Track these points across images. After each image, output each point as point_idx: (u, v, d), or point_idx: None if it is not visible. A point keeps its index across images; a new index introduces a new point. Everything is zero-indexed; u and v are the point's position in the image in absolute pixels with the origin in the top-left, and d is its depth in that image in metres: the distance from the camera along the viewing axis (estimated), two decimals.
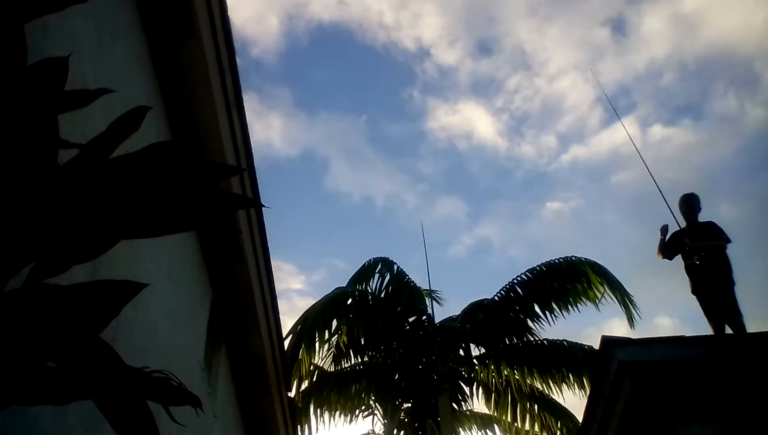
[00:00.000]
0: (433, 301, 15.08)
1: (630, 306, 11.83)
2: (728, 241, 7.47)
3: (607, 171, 36.06)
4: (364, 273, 13.90)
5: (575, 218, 35.38)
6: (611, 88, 31.20)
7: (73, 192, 1.45)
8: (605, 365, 6.66)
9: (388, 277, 13.96)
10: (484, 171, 36.82)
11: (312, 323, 12.58)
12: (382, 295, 13.78)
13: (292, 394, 11.63)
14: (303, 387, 13.55)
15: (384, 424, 16.99)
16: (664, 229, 7.80)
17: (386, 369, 14.30)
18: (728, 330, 7.14)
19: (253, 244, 6.82)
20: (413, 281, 14.23)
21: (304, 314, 13.04)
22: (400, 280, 14.03)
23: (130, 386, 1.49)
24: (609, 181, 35.01)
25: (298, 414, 12.28)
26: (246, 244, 6.59)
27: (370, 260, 14.16)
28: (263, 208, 6.62)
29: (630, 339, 6.70)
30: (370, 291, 13.74)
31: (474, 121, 35.31)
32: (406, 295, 13.75)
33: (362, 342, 13.80)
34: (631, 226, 36.34)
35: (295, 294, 36.18)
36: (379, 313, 13.13)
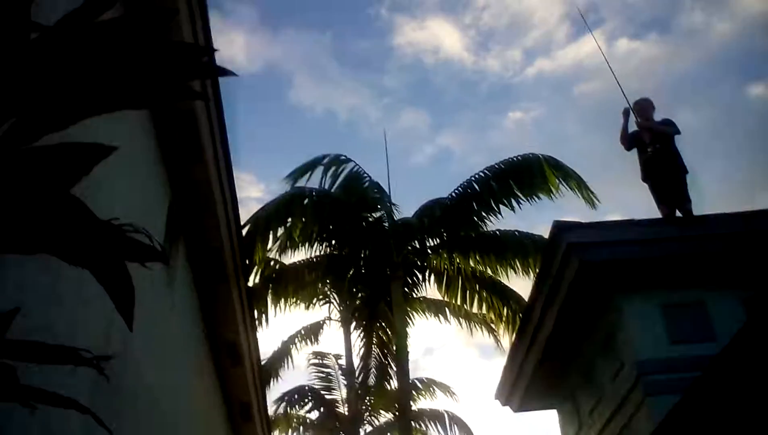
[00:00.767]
0: (392, 205, 15.50)
1: (587, 191, 12.50)
2: (677, 132, 8.00)
3: (570, 82, 36.76)
4: (312, 163, 14.10)
5: (536, 128, 36.08)
6: (581, 3, 31.31)
7: (45, 61, 1.55)
8: (555, 246, 7.22)
9: (345, 173, 14.26)
10: (448, 84, 36.89)
11: (270, 216, 12.96)
12: (339, 190, 14.09)
13: (250, 284, 12.17)
14: (261, 279, 13.99)
15: (340, 311, 17.82)
16: (626, 112, 8.23)
17: (342, 261, 14.83)
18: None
19: (213, 141, 6.92)
20: (372, 178, 14.65)
21: (263, 207, 13.41)
22: (358, 177, 14.37)
23: (102, 238, 1.58)
24: (572, 92, 35.66)
25: (257, 304, 12.74)
26: (206, 140, 6.69)
27: (329, 155, 14.38)
28: (225, 114, 6.76)
29: (580, 223, 7.26)
30: (326, 186, 14.05)
31: (441, 37, 35.08)
32: (363, 191, 14.16)
33: (320, 236, 14.19)
34: (592, 135, 37.21)
35: (254, 202, 36.38)
36: (336, 208, 13.55)
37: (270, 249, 13.29)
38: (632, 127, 8.23)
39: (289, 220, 13.31)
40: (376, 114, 36.80)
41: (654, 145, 7.78)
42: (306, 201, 13.50)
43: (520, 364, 8.79)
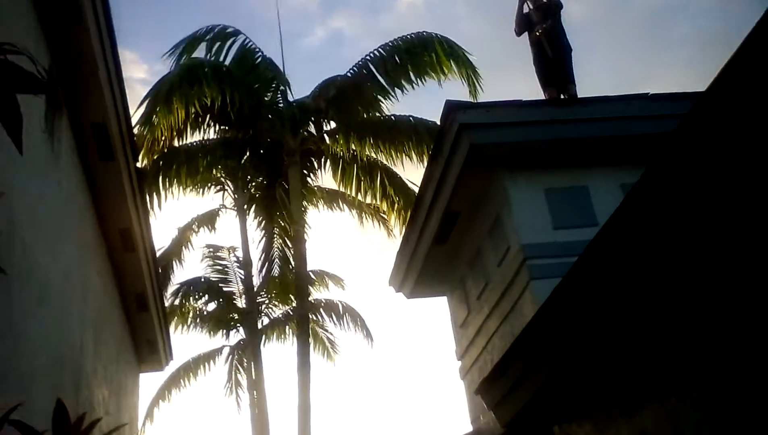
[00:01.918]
0: (286, 82, 15.16)
1: (476, 76, 12.68)
2: (560, 6, 8.14)
3: None
4: (197, 37, 13.59)
5: (428, 10, 35.56)
6: None
7: None
8: (446, 126, 7.32)
9: (236, 48, 13.80)
10: None
11: (165, 93, 12.50)
12: (233, 66, 13.70)
13: (140, 165, 11.80)
14: (151, 159, 13.63)
15: (235, 199, 17.68)
16: None
17: (237, 144, 14.56)
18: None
19: (94, 6, 6.54)
20: (266, 55, 14.25)
21: (156, 85, 12.92)
22: (250, 53, 13.96)
23: None
24: None
25: (149, 187, 12.48)
26: (86, 5, 6.32)
27: (215, 27, 13.81)
28: None
29: (471, 102, 7.37)
30: (219, 61, 13.60)
31: None
32: (256, 69, 13.82)
33: (217, 114, 13.80)
34: (481, 21, 37.03)
35: (138, 83, 34.65)
36: (232, 83, 13.17)
37: (169, 126, 12.90)
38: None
39: (191, 90, 12.86)
40: None
41: (542, 24, 7.93)
42: (206, 69, 13.01)
43: (413, 250, 8.97)
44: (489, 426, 7.53)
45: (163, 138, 13.06)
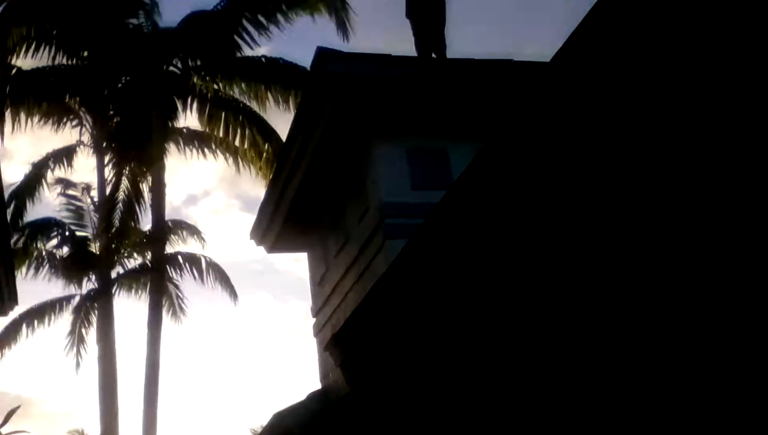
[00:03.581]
0: (157, 10, 14.48)
1: (348, 16, 12.69)
2: None
3: None
4: None
5: None
6: None
7: None
8: (316, 75, 7.29)
9: None
10: None
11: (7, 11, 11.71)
12: None
13: None
14: None
15: (93, 135, 16.80)
16: None
17: (96, 75, 13.82)
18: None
19: None
20: None
21: None
22: None
23: None
24: None
25: None
26: None
27: None
28: None
29: (342, 52, 7.35)
30: None
31: None
32: None
33: (69, 36, 13.00)
34: None
35: None
36: (91, 8, 12.48)
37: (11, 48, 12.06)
38: None
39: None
40: None
41: None
42: None
43: (276, 203, 8.91)
44: (337, 384, 7.68)
45: (6, 62, 12.17)
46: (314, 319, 9.10)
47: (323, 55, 7.17)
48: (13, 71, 13.19)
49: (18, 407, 7.33)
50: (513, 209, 4.17)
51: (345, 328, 6.50)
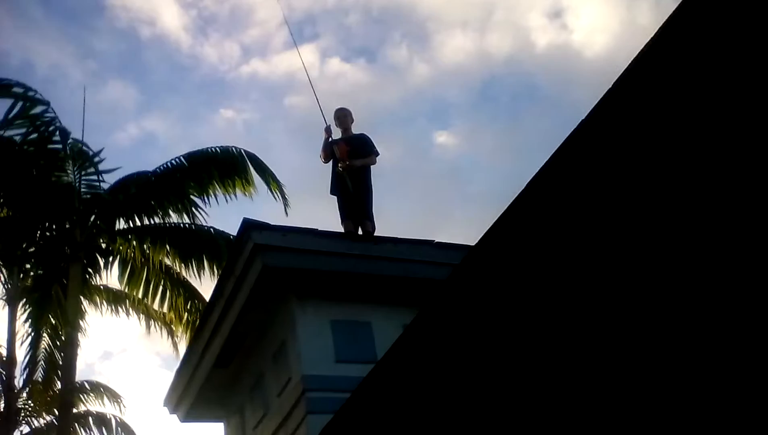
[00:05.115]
0: (82, 169, 14.43)
1: (285, 198, 12.94)
2: (377, 154, 8.61)
3: (282, 92, 37.56)
4: None
5: (246, 130, 36.18)
6: (299, 15, 32.16)
7: None
8: (241, 245, 7.33)
9: (34, 113, 12.92)
10: (161, 63, 35.49)
11: None
12: (20, 136, 12.87)
13: None
14: None
15: (6, 289, 16.22)
16: (328, 129, 8.65)
17: (14, 226, 13.50)
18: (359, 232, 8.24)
19: None
20: (68, 131, 13.54)
21: None
22: (46, 123, 13.15)
23: None
24: (282, 102, 36.45)
25: None
26: None
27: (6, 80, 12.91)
28: None
29: (268, 224, 7.44)
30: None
31: (160, 9, 33.75)
32: (49, 142, 13.07)
33: None
34: (295, 149, 38.41)
35: None
36: (15, 155, 12.40)
37: None
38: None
39: None
40: (79, 77, 34.24)
41: (347, 159, 8.30)
42: None
43: (193, 369, 8.66)
44: None
45: None
46: None
47: (249, 225, 7.25)
48: None
49: None
50: (436, 388, 4.17)
51: None
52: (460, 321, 3.94)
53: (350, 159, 8.30)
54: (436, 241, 7.69)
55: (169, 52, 33.90)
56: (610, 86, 2.91)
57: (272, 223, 7.63)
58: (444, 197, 36.71)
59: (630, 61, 2.82)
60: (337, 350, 7.01)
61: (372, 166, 8.55)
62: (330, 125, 8.69)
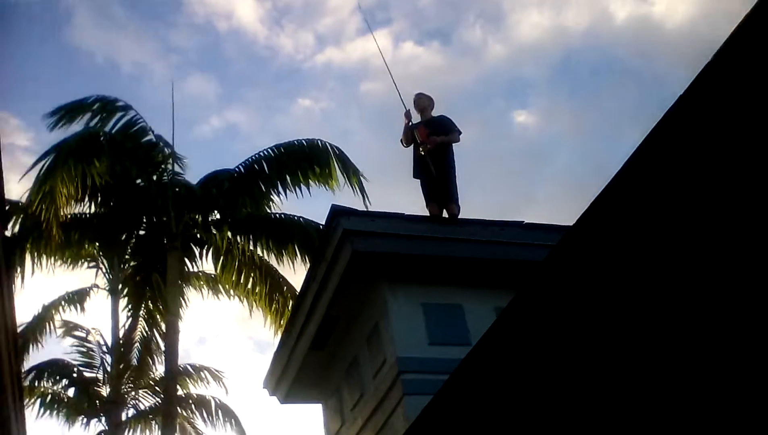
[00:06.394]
0: (175, 164, 14.99)
1: (364, 192, 13.06)
2: (460, 132, 8.52)
3: (357, 78, 37.73)
4: (81, 104, 13.35)
5: (323, 118, 36.65)
6: (371, 0, 32.10)
7: None
8: (331, 231, 7.39)
9: (124, 122, 13.60)
10: (239, 55, 36.24)
11: (49, 165, 12.21)
12: (117, 137, 13.46)
13: (9, 233, 11.31)
14: (27, 226, 13.10)
15: (109, 280, 16.99)
16: (408, 114, 8.62)
17: (116, 222, 14.14)
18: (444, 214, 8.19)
19: None
20: (156, 133, 14.11)
21: (37, 161, 12.61)
22: (141, 130, 13.78)
23: None
24: (358, 89, 36.61)
25: (14, 257, 11.94)
26: None
27: (101, 97, 13.57)
28: None
29: (356, 210, 7.48)
30: (104, 132, 13.36)
31: (236, 2, 34.29)
32: (146, 146, 13.68)
33: (95, 187, 13.44)
34: (372, 135, 38.46)
35: (20, 150, 33.09)
36: (121, 158, 12.97)
37: (50, 197, 12.41)
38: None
39: (79, 162, 12.54)
40: (163, 73, 35.27)
41: (428, 141, 8.22)
42: (102, 140, 12.87)
43: (290, 353, 8.82)
44: None
45: (51, 205, 12.52)
46: None
47: (337, 212, 7.31)
48: (37, 213, 13.41)
49: None
50: (536, 371, 4.10)
51: None
52: (560, 303, 3.85)
53: (431, 139, 8.23)
54: (525, 222, 7.56)
55: (246, 44, 34.53)
56: (712, 56, 2.75)
57: (358, 209, 7.69)
58: (525, 177, 36.23)
59: (737, 25, 2.65)
60: (429, 333, 6.99)
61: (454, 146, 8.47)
62: (409, 110, 8.65)
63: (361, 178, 13.15)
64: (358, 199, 13.08)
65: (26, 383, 17.84)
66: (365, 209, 12.72)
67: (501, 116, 35.99)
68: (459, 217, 7.91)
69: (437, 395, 5.14)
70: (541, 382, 4.08)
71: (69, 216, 14.23)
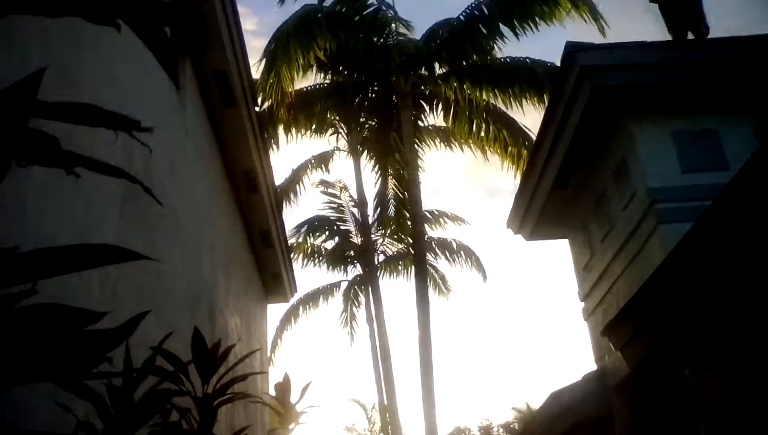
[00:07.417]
0: (398, 23, 15.19)
1: (599, 18, 12.29)
2: None
3: None
4: None
5: None
6: None
7: None
8: (568, 68, 7.23)
9: None
10: None
11: (283, 42, 12.88)
12: (344, 10, 13.89)
13: (260, 109, 12.33)
14: (275, 103, 14.12)
15: (348, 141, 18.09)
16: None
17: (349, 87, 14.82)
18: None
19: None
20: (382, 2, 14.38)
21: (273, 35, 13.33)
22: None
23: None
24: None
25: (266, 131, 13.00)
26: None
27: None
28: None
29: (592, 44, 7.21)
30: (331, 6, 13.81)
31: None
32: (368, 9, 13.96)
33: (327, 60, 14.11)
34: None
35: (248, 35, 34.94)
36: (345, 29, 13.39)
37: (286, 73, 13.23)
38: None
39: (307, 37, 13.13)
40: None
41: None
42: (320, 16, 13.29)
43: (532, 192, 8.97)
44: (615, 366, 7.64)
45: (280, 85, 13.39)
46: (582, 303, 9.05)
47: (573, 48, 7.09)
48: (281, 89, 14.38)
49: (309, 383, 8.22)
50: None
51: (623, 314, 6.36)
52: None
53: None
54: None
55: None
56: None
57: (593, 43, 7.40)
58: None
59: None
60: (682, 161, 6.77)
61: None
62: None
63: (595, 9, 12.42)
64: (588, 32, 12.44)
65: (295, 239, 19.84)
66: (604, 40, 12.21)
67: None
68: (707, 37, 7.32)
69: (699, 221, 5.03)
70: None
71: (307, 88, 15.16)
